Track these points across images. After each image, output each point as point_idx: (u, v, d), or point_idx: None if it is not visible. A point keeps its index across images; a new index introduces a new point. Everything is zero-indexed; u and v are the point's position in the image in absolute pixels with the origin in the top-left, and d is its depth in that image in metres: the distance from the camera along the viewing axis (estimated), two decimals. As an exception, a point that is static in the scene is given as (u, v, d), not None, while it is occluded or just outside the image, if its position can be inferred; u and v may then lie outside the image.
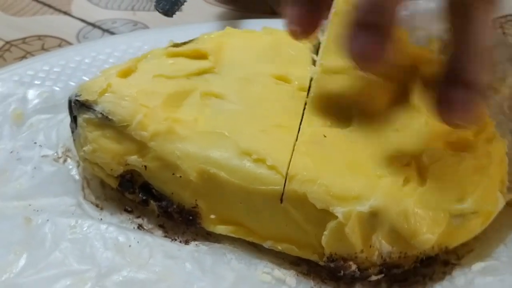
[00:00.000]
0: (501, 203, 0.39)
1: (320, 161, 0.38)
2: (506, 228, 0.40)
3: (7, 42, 0.64)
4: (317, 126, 0.41)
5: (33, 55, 0.61)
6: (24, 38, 0.65)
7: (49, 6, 0.72)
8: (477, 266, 0.38)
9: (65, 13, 0.70)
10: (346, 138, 0.40)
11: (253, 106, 0.42)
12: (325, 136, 0.40)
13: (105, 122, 0.41)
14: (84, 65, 0.55)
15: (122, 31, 0.67)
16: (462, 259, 0.39)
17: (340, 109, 0.41)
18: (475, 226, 0.38)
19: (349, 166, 0.38)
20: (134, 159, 0.41)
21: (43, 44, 0.64)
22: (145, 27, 0.68)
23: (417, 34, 0.53)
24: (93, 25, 0.69)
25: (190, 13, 0.69)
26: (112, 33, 0.67)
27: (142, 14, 0.71)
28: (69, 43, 0.65)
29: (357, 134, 0.40)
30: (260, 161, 0.38)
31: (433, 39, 0.53)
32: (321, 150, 0.39)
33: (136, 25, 0.68)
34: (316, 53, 0.50)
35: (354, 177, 0.37)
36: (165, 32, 0.60)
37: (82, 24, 0.69)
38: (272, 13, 0.70)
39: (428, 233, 0.36)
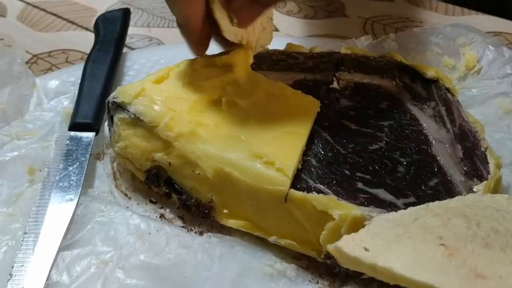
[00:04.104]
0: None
1: None
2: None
3: (34, 55, 0.69)
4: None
5: (58, 68, 0.66)
6: (50, 52, 0.70)
7: (73, 22, 0.77)
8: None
9: (87, 29, 0.76)
10: None
11: (270, 113, 0.46)
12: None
13: (137, 122, 0.46)
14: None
15: (138, 46, 0.72)
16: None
17: None
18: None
19: None
20: (160, 156, 0.45)
21: (67, 57, 0.69)
22: (160, 42, 0.73)
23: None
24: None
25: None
26: (129, 47, 0.71)
27: (156, 30, 0.76)
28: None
29: None
30: (269, 163, 0.42)
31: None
32: None
33: (151, 40, 0.73)
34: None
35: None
36: (179, 47, 0.64)
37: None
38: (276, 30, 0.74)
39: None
